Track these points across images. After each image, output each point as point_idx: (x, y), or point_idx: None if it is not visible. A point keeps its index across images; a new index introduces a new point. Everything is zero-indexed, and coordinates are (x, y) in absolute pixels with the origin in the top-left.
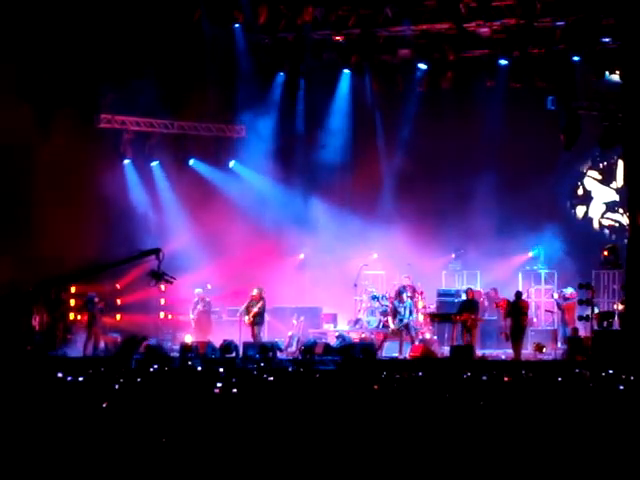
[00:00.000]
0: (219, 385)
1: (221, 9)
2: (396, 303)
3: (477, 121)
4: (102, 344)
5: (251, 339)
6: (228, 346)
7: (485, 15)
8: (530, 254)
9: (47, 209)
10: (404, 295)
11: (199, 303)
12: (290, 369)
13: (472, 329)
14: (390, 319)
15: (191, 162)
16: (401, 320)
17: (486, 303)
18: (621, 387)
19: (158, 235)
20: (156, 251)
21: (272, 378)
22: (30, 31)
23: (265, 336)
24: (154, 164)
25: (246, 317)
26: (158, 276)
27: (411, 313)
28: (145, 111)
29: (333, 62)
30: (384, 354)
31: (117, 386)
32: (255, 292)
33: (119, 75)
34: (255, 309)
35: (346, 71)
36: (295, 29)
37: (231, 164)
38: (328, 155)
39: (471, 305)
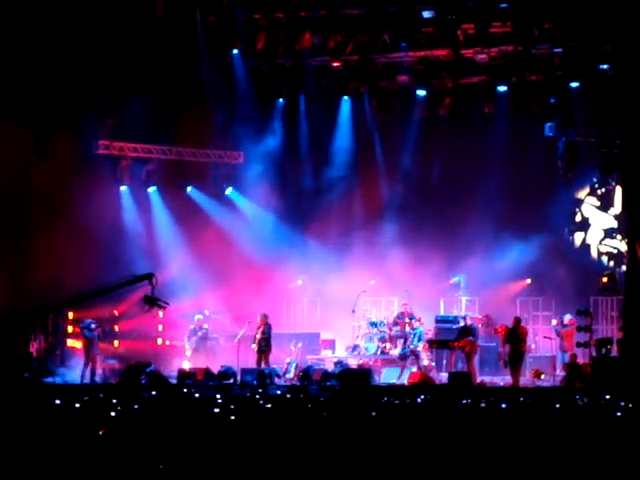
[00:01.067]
0: (216, 411)
1: (219, 36)
2: (407, 329)
3: (475, 148)
4: (99, 371)
5: (252, 365)
6: (226, 373)
7: (483, 42)
8: (527, 281)
9: (45, 235)
10: (414, 321)
11: (198, 330)
12: (288, 395)
13: (471, 355)
14: (388, 345)
15: (188, 189)
16: (407, 346)
17: (482, 330)
18: (619, 414)
19: (155, 261)
20: (149, 276)
21: (269, 405)
22: (29, 56)
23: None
24: (151, 190)
25: (253, 344)
26: (151, 301)
27: (420, 340)
28: (143, 137)
29: (331, 88)
30: (382, 380)
31: (114, 413)
32: (259, 319)
33: (117, 101)
34: (259, 335)
35: (345, 98)
36: (293, 55)
37: (228, 191)
38: (327, 181)
39: (469, 331)
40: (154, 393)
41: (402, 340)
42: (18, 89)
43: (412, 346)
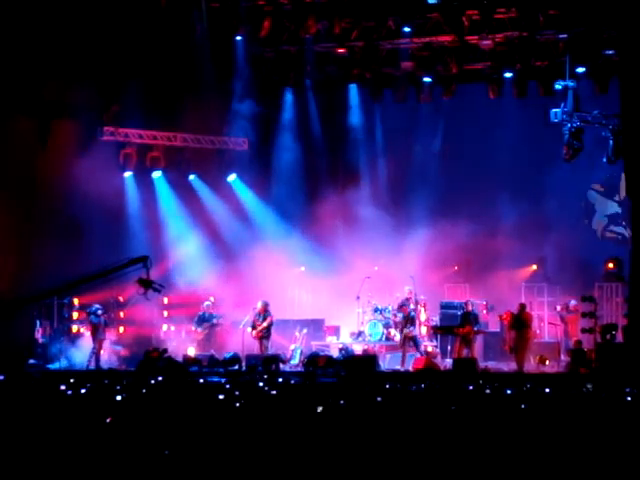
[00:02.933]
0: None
1: (223, 21)
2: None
3: (480, 133)
4: (105, 357)
5: (256, 352)
6: (232, 359)
7: (488, 28)
8: (533, 267)
9: (47, 222)
10: (407, 307)
11: (208, 316)
12: (293, 382)
13: (471, 342)
14: (393, 331)
15: (191, 177)
16: (401, 331)
17: (484, 316)
18: (629, 398)
19: (160, 247)
20: (144, 259)
21: (275, 391)
22: (33, 44)
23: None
24: (156, 176)
25: (253, 331)
26: (146, 284)
27: (412, 324)
28: (148, 124)
29: (336, 75)
30: (386, 366)
31: (119, 398)
32: (259, 305)
33: (122, 88)
34: (265, 323)
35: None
36: (298, 42)
37: (232, 177)
38: (331, 167)
39: (470, 317)
40: (161, 378)
41: (400, 326)
42: (21, 76)
43: (406, 330)
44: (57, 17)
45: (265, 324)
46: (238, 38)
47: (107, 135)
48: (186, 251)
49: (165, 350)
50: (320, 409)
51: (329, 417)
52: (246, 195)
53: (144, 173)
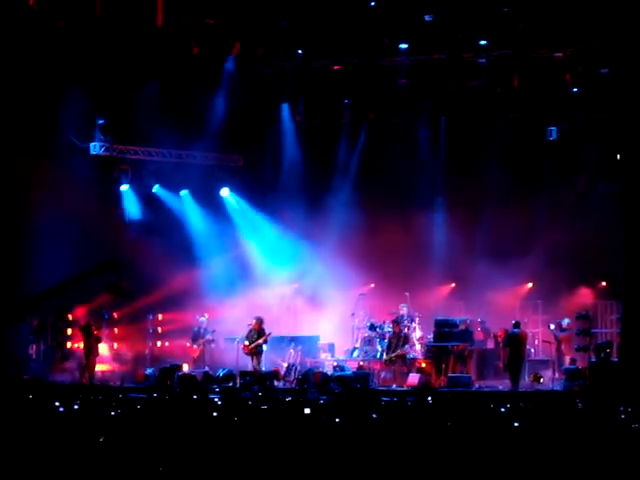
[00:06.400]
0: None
1: (219, 37)
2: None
3: (477, 150)
4: (99, 374)
5: (250, 368)
6: (226, 376)
7: (483, 45)
8: (529, 285)
9: (42, 236)
10: (401, 325)
11: (203, 332)
12: (287, 399)
13: (467, 359)
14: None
15: (182, 193)
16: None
17: (480, 334)
18: (622, 417)
19: (153, 265)
20: (113, 264)
21: (269, 407)
22: (28, 56)
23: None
24: (154, 189)
25: (246, 347)
26: (116, 290)
27: (405, 344)
28: (143, 140)
29: (332, 91)
30: (381, 384)
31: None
32: (254, 322)
33: (117, 103)
34: (260, 340)
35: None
36: (294, 58)
37: (226, 192)
38: (326, 184)
39: (465, 335)
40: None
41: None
42: (17, 90)
43: (400, 350)
44: (57, 32)
45: (261, 341)
46: (233, 55)
47: (102, 150)
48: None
49: (180, 367)
50: (307, 411)
51: (323, 434)
52: (241, 209)
53: (140, 188)
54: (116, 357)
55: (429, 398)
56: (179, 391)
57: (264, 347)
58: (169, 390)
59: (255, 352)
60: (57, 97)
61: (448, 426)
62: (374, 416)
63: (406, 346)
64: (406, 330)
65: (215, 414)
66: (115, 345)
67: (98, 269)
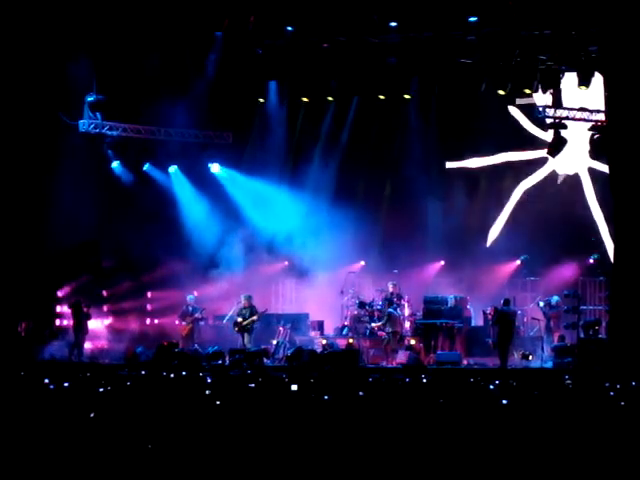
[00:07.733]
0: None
1: (208, 15)
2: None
3: (465, 128)
4: (88, 351)
5: (239, 346)
6: (215, 353)
7: (472, 23)
8: (518, 262)
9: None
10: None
11: (192, 310)
12: (275, 376)
13: (456, 337)
14: (376, 325)
15: (171, 169)
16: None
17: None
18: (612, 393)
19: (142, 241)
20: (93, 243)
21: (259, 385)
22: (17, 34)
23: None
24: (145, 167)
25: (237, 324)
26: (94, 270)
27: (388, 321)
28: (131, 117)
29: (320, 70)
30: (370, 361)
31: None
32: (243, 300)
33: (105, 80)
34: (255, 317)
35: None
36: (283, 36)
37: (216, 168)
38: (316, 162)
39: (455, 312)
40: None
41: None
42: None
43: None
44: (44, 9)
45: (255, 317)
46: (223, 32)
47: (90, 127)
48: (170, 242)
49: (177, 344)
50: (295, 387)
51: (313, 411)
52: (230, 186)
53: (129, 166)
54: (112, 333)
55: (417, 377)
56: (178, 369)
57: (254, 325)
58: (170, 368)
59: (246, 329)
60: (48, 73)
61: (438, 403)
62: (361, 394)
63: (388, 327)
64: (390, 310)
65: (208, 392)
66: (106, 321)
67: (78, 247)
